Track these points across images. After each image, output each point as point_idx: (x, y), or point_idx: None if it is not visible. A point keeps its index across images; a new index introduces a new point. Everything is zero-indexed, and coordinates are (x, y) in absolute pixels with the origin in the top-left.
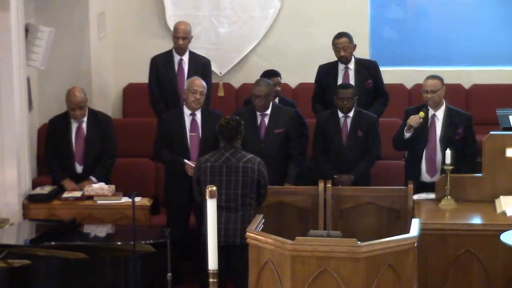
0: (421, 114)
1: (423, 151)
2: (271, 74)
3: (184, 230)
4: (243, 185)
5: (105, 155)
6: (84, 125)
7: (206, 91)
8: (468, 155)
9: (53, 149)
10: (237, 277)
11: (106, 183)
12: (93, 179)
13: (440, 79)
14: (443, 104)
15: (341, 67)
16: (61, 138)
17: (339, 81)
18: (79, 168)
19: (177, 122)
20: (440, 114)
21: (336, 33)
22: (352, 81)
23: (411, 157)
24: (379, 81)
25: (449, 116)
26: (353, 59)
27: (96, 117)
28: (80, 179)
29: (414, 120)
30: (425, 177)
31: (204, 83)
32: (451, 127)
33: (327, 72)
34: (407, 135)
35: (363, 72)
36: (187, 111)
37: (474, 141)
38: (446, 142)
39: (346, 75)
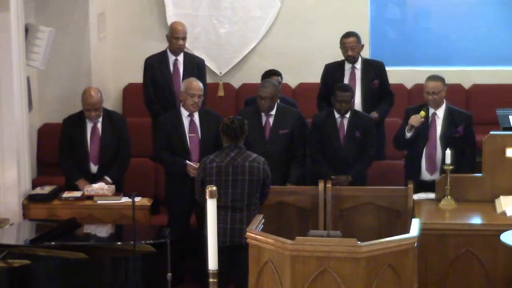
0: (422, 113)
1: (423, 148)
2: (271, 74)
3: (185, 231)
4: (250, 184)
5: (120, 155)
6: (99, 125)
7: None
8: (467, 154)
9: (67, 149)
10: (240, 277)
11: (120, 184)
12: (108, 179)
13: (441, 80)
14: (443, 103)
15: (347, 66)
16: (76, 138)
17: (345, 80)
18: (94, 168)
19: (176, 124)
20: (440, 112)
21: (336, 33)
22: (358, 81)
23: (411, 155)
24: (385, 81)
25: (450, 115)
26: (360, 58)
27: (111, 117)
28: (95, 179)
29: (416, 120)
30: (425, 174)
31: (201, 85)
32: (451, 126)
33: (333, 71)
34: (408, 135)
35: (370, 72)
36: (184, 112)
37: (474, 140)
38: (446, 140)
39: (352, 75)
